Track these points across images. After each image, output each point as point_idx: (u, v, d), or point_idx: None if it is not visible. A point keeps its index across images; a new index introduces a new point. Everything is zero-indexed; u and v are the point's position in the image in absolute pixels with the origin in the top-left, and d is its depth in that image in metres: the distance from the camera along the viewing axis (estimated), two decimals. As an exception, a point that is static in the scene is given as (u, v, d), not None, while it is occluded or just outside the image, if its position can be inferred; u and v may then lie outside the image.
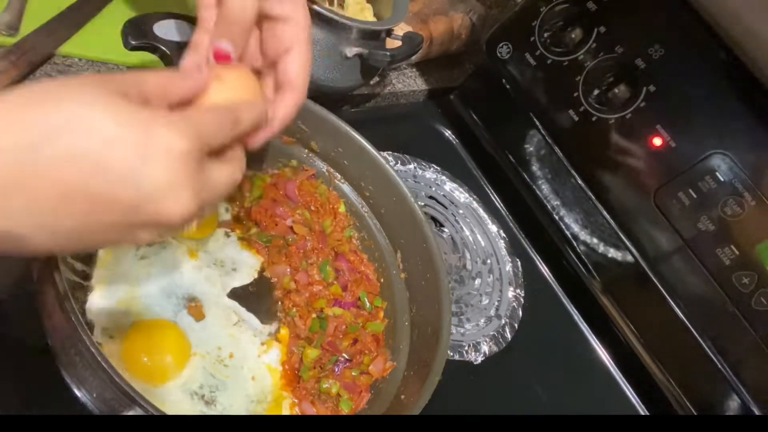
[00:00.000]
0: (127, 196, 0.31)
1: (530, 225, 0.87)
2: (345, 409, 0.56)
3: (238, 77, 0.43)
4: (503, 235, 0.85)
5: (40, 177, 0.30)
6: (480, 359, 0.71)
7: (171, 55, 0.57)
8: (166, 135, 0.32)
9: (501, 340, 0.74)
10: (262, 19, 0.47)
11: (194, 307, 0.55)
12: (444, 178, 0.86)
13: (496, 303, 0.77)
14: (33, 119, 0.30)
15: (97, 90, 0.32)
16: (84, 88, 0.32)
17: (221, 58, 0.43)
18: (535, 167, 0.84)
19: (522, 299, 0.80)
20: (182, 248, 0.57)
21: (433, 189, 0.85)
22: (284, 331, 0.59)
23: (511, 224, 0.88)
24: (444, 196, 0.85)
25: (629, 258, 0.74)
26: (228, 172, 0.38)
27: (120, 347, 0.49)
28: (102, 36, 0.67)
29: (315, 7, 0.67)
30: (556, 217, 0.82)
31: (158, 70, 0.37)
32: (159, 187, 0.32)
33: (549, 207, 0.83)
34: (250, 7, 0.43)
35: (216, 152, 0.37)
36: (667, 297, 0.70)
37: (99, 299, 0.51)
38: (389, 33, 0.76)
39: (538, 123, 0.79)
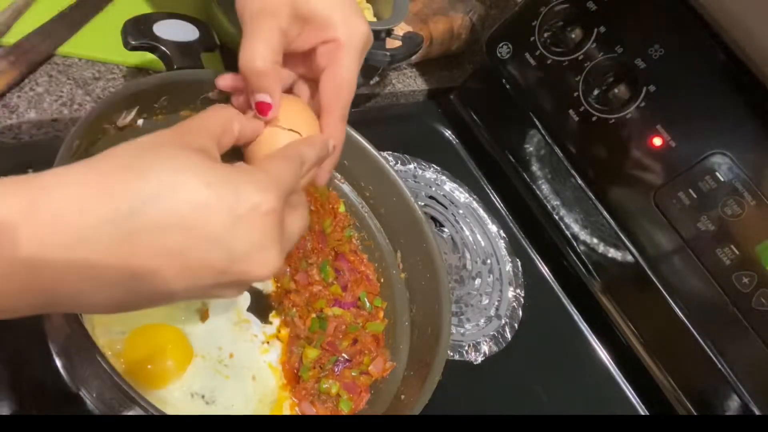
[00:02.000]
0: (219, 260, 0.32)
1: (530, 225, 0.87)
2: (345, 409, 0.56)
3: (290, 107, 0.45)
4: (503, 235, 0.85)
5: (136, 246, 0.30)
6: (480, 359, 0.71)
7: (171, 55, 0.57)
8: (254, 194, 0.32)
9: (501, 340, 0.74)
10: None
11: (203, 310, 0.55)
12: (444, 178, 0.86)
13: (496, 303, 0.77)
14: (124, 189, 0.30)
15: (179, 152, 0.32)
16: (166, 151, 0.32)
17: (264, 108, 0.43)
18: (535, 167, 0.84)
19: (522, 299, 0.80)
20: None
21: (433, 189, 0.85)
22: (284, 331, 0.59)
23: (511, 224, 0.88)
24: (444, 196, 0.85)
25: (629, 258, 0.74)
26: (299, 218, 0.38)
27: (121, 349, 0.49)
28: (102, 36, 0.67)
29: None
30: (556, 217, 0.82)
31: (216, 112, 0.38)
32: (250, 249, 0.32)
33: (549, 207, 0.83)
34: (259, 59, 0.42)
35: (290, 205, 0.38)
36: (667, 297, 0.70)
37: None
38: (389, 33, 0.75)
39: (538, 123, 0.79)
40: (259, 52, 0.42)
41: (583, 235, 0.80)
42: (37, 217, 0.29)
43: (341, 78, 0.46)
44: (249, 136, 0.42)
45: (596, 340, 0.82)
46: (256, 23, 0.43)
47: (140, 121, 0.56)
